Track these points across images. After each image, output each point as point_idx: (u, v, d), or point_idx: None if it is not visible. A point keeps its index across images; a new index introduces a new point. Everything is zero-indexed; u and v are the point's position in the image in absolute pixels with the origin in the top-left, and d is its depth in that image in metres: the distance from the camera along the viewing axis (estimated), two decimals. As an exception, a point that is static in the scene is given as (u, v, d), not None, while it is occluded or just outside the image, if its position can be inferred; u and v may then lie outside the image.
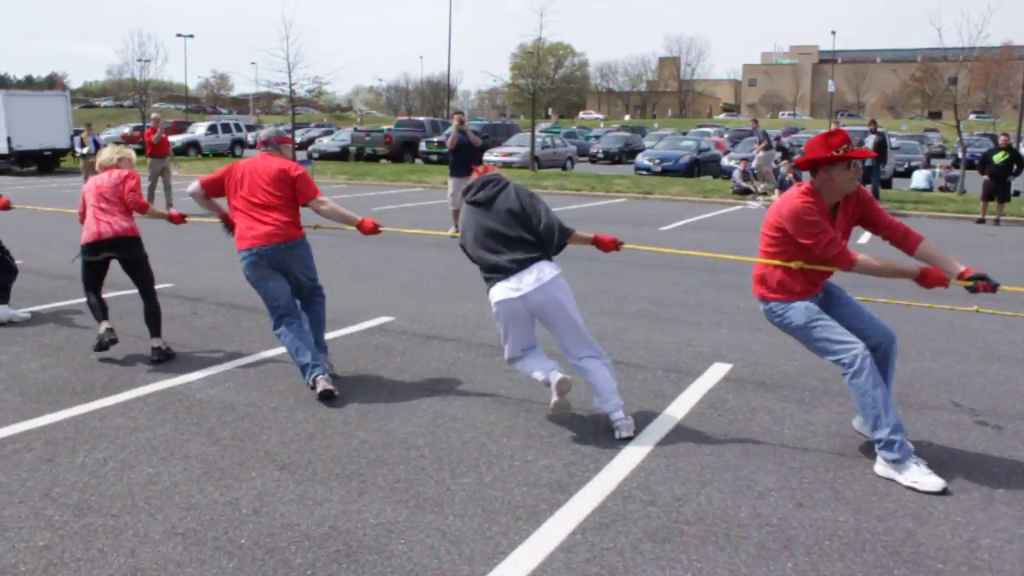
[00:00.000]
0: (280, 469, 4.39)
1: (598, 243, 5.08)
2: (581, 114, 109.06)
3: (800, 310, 4.39)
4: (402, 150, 36.19)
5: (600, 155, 41.46)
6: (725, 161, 29.83)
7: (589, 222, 14.82)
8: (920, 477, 4.10)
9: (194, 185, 5.83)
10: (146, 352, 6.43)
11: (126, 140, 39.40)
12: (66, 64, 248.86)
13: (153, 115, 19.19)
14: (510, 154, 32.66)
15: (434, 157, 33.72)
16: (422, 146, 35.56)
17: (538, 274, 4.72)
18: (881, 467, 4.27)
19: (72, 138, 30.21)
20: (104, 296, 6.56)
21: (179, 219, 6.99)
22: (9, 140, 30.70)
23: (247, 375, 6.00)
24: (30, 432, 4.88)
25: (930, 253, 4.26)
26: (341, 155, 37.19)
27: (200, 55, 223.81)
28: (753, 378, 6.04)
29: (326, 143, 39.95)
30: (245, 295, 8.39)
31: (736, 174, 23.19)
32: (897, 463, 4.17)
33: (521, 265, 4.73)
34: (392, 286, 9.34)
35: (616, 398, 4.86)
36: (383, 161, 35.63)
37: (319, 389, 5.35)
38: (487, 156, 28.82)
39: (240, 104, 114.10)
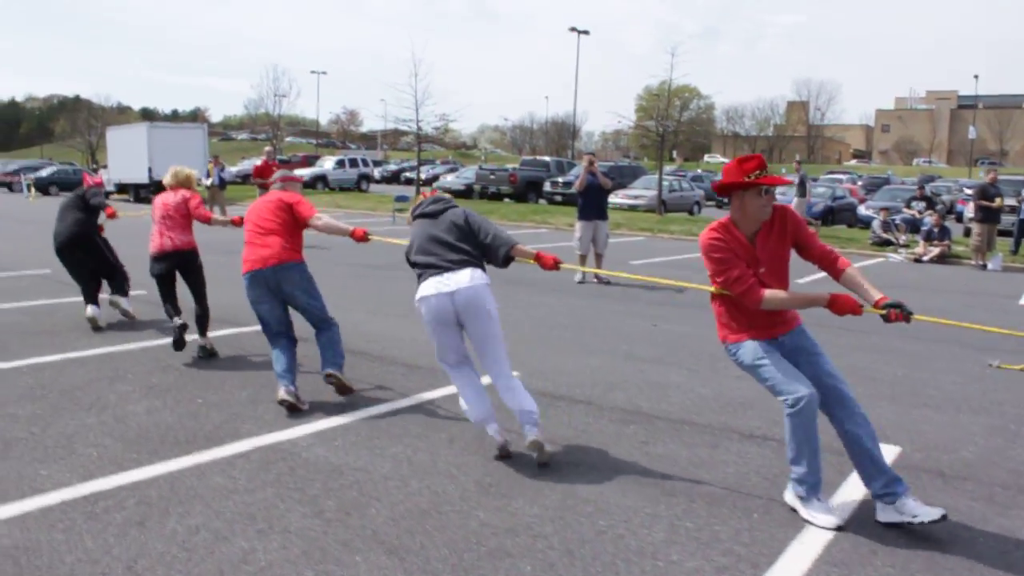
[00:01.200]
0: (388, 553, 3.81)
1: (539, 260, 5.11)
2: (706, 157, 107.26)
3: (749, 349, 4.29)
4: (526, 190, 35.76)
5: (727, 200, 40.02)
6: (862, 210, 28.19)
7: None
8: (818, 514, 4.19)
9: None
10: (258, 399, 6.08)
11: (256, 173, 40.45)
12: (208, 99, 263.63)
13: (266, 148, 19.48)
14: (636, 197, 31.62)
15: (558, 198, 33.04)
16: (546, 186, 34.86)
17: (471, 277, 4.84)
18: (789, 495, 4.42)
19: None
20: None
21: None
22: (150, 171, 31.98)
23: (359, 432, 5.49)
24: (124, 488, 4.48)
25: (854, 280, 4.24)
26: (465, 193, 36.96)
27: (332, 91, 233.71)
28: (927, 466, 5.15)
29: (450, 180, 40.30)
30: (365, 338, 8.02)
31: (876, 224, 21.81)
32: (803, 499, 4.28)
33: (456, 265, 4.86)
34: (514, 334, 8.76)
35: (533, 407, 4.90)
36: (506, 200, 35.47)
37: (278, 397, 5.73)
38: (612, 199, 28.22)
39: (368, 140, 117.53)
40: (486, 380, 5.23)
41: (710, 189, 27.93)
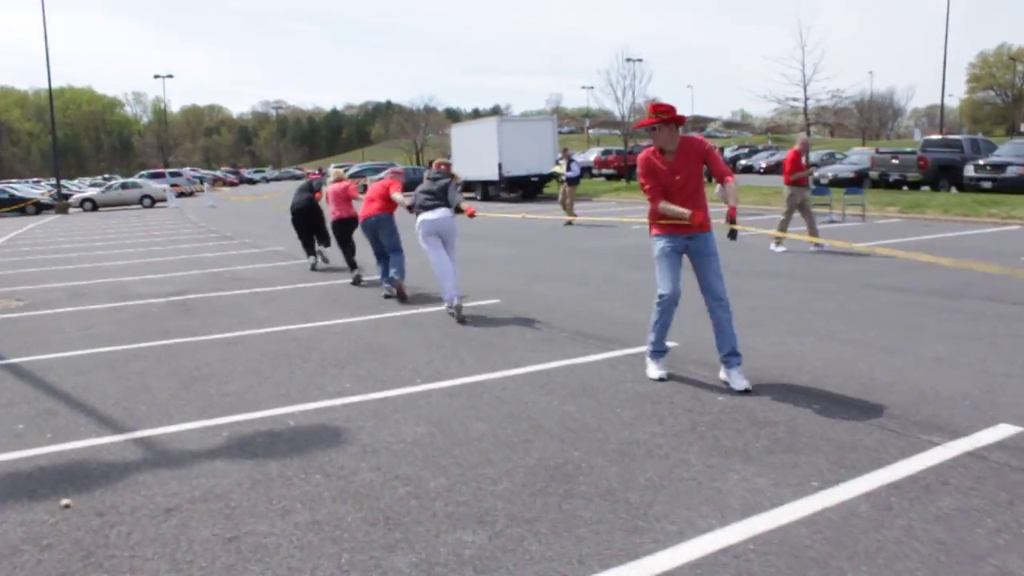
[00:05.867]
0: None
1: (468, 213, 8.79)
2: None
3: (657, 244, 5.87)
4: (937, 175, 28.86)
5: None
6: None
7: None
8: (649, 369, 6.05)
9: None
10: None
11: (598, 164, 40.82)
12: (505, 97, 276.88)
13: (802, 136, 15.44)
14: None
15: (986, 184, 25.96)
16: (968, 171, 27.16)
17: (443, 212, 8.68)
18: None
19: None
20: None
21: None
22: (500, 167, 30.99)
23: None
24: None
25: (725, 191, 5.71)
26: (856, 180, 30.19)
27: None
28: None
29: (836, 168, 33.73)
30: (577, 316, 8.39)
31: None
32: (648, 356, 6.10)
33: (435, 206, 8.71)
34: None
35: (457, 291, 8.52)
36: (904, 188, 29.08)
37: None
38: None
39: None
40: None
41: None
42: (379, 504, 3.87)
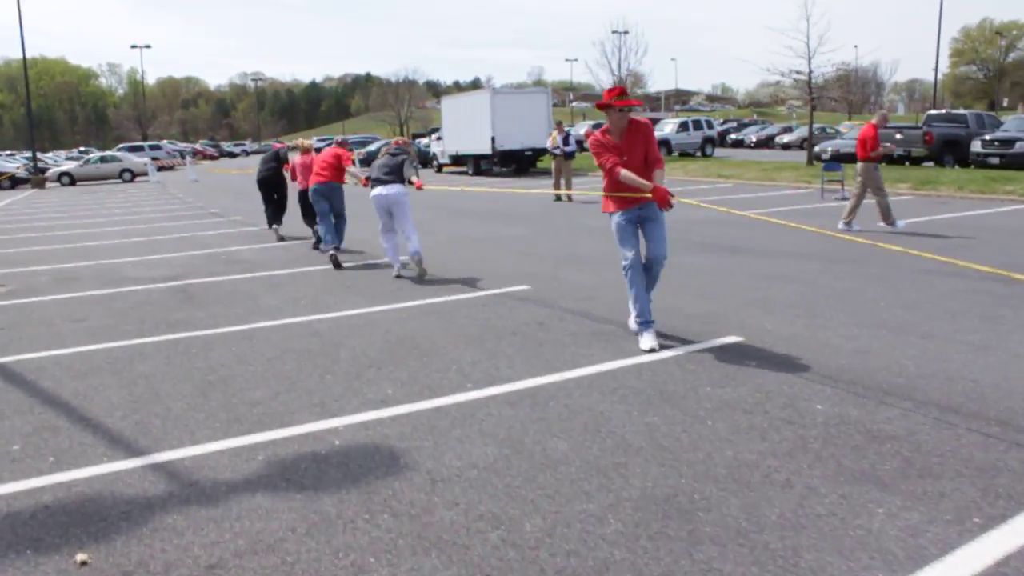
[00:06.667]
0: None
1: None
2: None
3: (614, 221, 6.33)
4: (942, 151, 27.88)
5: None
6: None
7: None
8: (642, 338, 6.19)
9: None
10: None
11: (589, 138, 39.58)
12: (486, 69, 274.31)
13: (881, 111, 13.87)
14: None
15: (994, 160, 25.18)
16: (975, 146, 26.09)
17: (396, 187, 9.34)
18: (630, 323, 6.62)
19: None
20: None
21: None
22: (493, 140, 29.91)
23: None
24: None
25: (655, 176, 6.08)
26: (851, 156, 30.98)
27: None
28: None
29: (836, 143, 33.45)
30: (620, 304, 7.77)
31: None
32: (637, 327, 6.36)
33: (389, 182, 9.36)
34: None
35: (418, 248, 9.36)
36: (907, 164, 28.29)
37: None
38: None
39: (652, 101, 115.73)
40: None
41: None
42: (471, 556, 3.16)
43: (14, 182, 39.84)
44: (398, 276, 9.47)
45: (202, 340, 6.82)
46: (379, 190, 9.36)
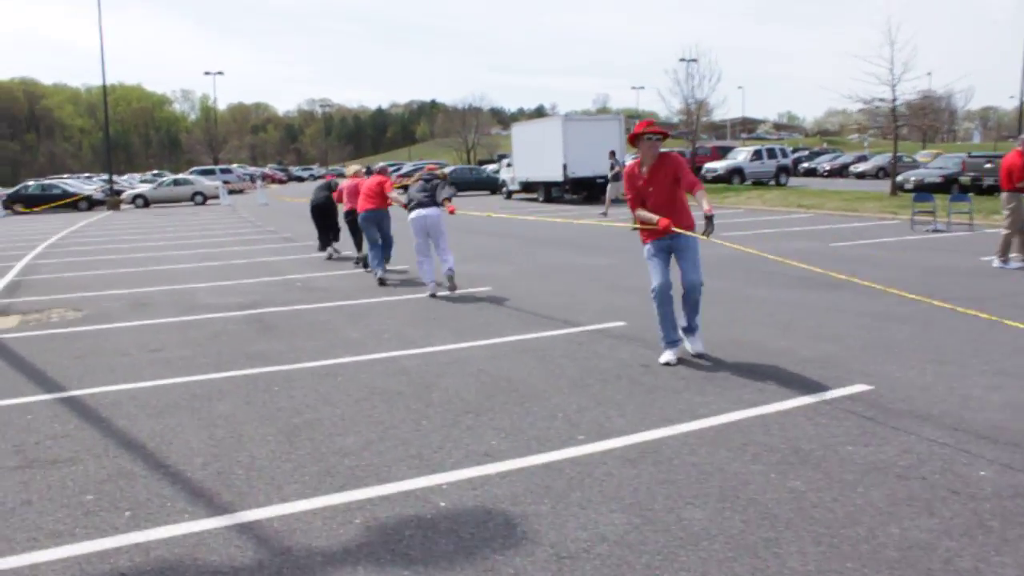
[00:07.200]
0: None
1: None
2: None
3: (645, 250, 6.71)
4: None
5: None
6: None
7: None
8: (663, 355, 6.59)
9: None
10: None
11: None
12: (550, 97, 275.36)
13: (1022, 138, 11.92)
14: None
15: None
16: None
17: (433, 210, 10.17)
18: (664, 362, 6.60)
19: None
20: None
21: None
22: (565, 167, 29.60)
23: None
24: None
25: (697, 198, 6.36)
26: (944, 186, 28.94)
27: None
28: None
29: (921, 172, 32.51)
30: (724, 346, 7.14)
31: None
32: (663, 346, 6.65)
33: (428, 204, 10.20)
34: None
35: (452, 266, 10.28)
36: (997, 195, 27.26)
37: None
38: None
39: (717, 129, 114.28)
40: None
41: None
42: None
43: (91, 203, 40.68)
44: (432, 296, 10.14)
45: (283, 376, 6.40)
46: (418, 212, 10.19)
